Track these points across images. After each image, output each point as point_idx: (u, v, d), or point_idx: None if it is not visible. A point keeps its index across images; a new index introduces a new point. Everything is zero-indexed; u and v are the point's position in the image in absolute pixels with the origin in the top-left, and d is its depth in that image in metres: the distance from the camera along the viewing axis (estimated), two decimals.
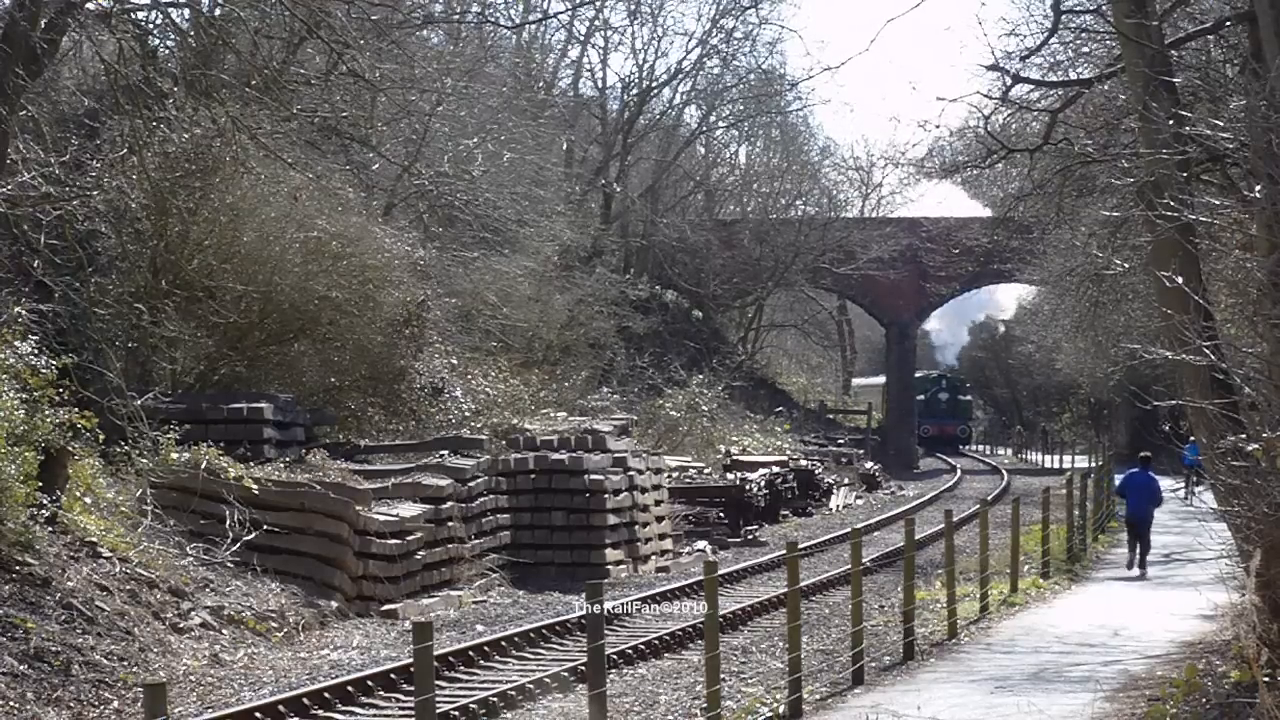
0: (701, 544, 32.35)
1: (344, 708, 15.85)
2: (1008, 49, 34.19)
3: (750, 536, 34.09)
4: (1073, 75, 25.50)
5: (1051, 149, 23.47)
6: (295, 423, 25.56)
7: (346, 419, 29.49)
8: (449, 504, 24.53)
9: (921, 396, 79.78)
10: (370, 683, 16.49)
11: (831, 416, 71.05)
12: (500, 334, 39.29)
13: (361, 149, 34.67)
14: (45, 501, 17.88)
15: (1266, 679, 11.69)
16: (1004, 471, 61.33)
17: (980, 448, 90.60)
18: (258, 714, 15.04)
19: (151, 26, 28.95)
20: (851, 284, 68.12)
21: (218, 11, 28.53)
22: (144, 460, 21.56)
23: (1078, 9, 23.92)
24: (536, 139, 46.22)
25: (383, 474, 25.14)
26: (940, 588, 22.26)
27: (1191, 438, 28.53)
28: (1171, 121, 16.36)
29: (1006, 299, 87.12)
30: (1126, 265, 24.67)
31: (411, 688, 12.87)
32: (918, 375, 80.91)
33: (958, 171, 27.04)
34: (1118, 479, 32.12)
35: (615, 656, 18.19)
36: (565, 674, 17.26)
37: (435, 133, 37.96)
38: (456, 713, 15.41)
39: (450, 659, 17.76)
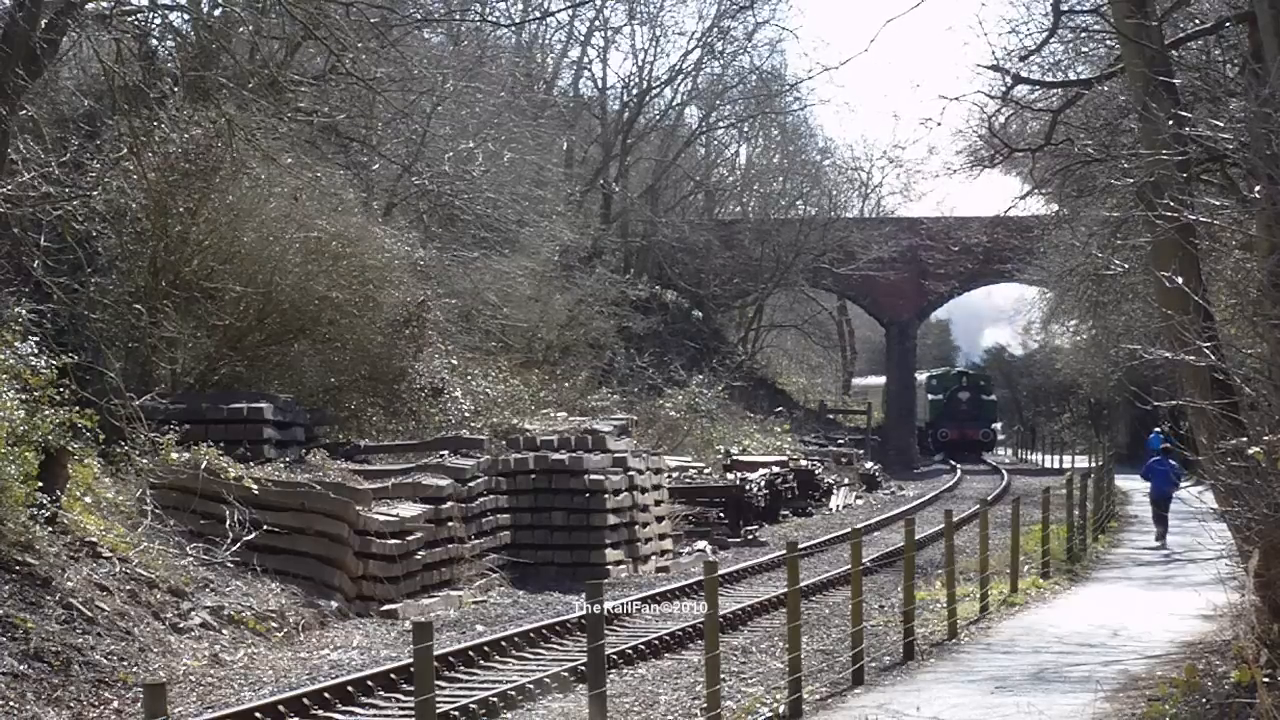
0: (701, 544, 32.34)
1: (344, 708, 15.85)
2: (1008, 48, 34.24)
3: (750, 536, 34.08)
4: (1073, 75, 25.50)
5: (1053, 149, 23.45)
6: (295, 423, 25.55)
7: (346, 419, 29.49)
8: (449, 504, 24.53)
9: (939, 396, 73.64)
10: (370, 683, 16.49)
11: (831, 416, 70.86)
12: (500, 334, 39.30)
13: (361, 149, 34.69)
14: (45, 501, 17.87)
15: (1266, 679, 11.67)
16: (1004, 471, 61.31)
17: None
18: (258, 714, 15.04)
19: (151, 27, 28.96)
20: (851, 284, 68.11)
21: (217, 13, 28.54)
22: (144, 460, 21.56)
23: (1078, 9, 23.89)
24: (536, 139, 46.25)
25: (383, 474, 25.13)
26: (940, 588, 22.25)
27: (1156, 428, 36.21)
28: (1171, 122, 16.34)
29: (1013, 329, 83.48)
30: (1126, 265, 24.66)
31: (411, 688, 12.87)
32: (936, 372, 78.27)
33: (961, 172, 27.06)
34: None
35: (615, 656, 18.18)
36: (565, 674, 17.25)
37: (435, 133, 37.97)
38: (456, 713, 15.40)
39: (450, 659, 17.75)
